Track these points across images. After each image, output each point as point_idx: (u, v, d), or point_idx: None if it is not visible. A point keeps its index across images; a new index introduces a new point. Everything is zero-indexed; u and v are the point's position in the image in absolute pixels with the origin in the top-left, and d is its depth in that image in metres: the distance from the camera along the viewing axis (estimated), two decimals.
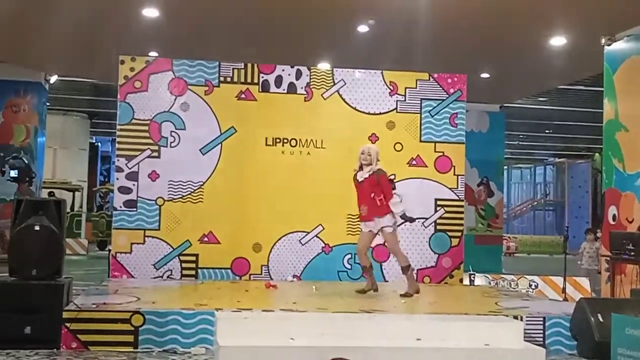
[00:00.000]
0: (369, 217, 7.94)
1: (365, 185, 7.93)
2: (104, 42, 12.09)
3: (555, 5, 10.21)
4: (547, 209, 42.99)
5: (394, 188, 8.17)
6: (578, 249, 12.65)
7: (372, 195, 7.88)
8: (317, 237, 9.66)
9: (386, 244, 8.22)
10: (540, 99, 21.30)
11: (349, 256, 9.65)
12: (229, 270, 9.38)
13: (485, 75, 14.40)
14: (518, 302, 7.94)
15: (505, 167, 31.35)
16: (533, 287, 10.96)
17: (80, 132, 27.37)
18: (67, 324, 5.95)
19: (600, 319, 6.04)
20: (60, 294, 6.06)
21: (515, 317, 6.45)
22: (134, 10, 10.80)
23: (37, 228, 6.14)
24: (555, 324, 6.53)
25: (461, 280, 9.97)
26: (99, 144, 33.63)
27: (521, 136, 30.73)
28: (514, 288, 10.73)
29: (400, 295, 7.92)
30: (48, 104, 17.56)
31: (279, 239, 9.58)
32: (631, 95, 10.00)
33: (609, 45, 10.33)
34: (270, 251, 9.55)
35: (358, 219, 9.67)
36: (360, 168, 8.01)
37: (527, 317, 6.52)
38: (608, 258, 9.41)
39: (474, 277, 10.54)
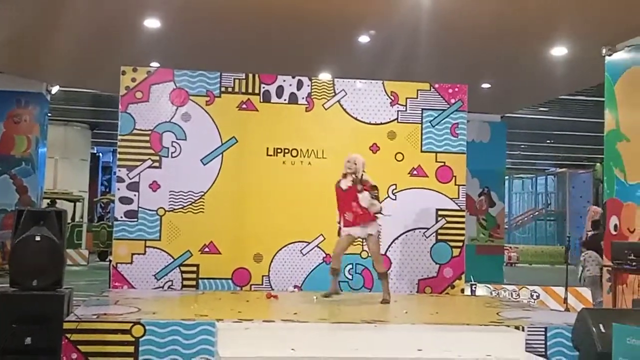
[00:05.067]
0: (356, 223, 8.13)
1: (349, 193, 8.13)
2: (106, 53, 12.13)
3: (556, 16, 10.23)
4: (548, 219, 43.01)
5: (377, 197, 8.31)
6: (580, 259, 12.59)
7: (354, 203, 8.11)
8: (318, 247, 9.64)
9: (370, 250, 8.46)
10: (542, 109, 21.33)
11: (350, 266, 9.62)
12: (230, 281, 9.36)
13: (486, 85, 14.43)
14: (519, 312, 7.91)
15: (507, 177, 31.34)
16: (534, 297, 10.94)
17: (81, 142, 27.42)
18: (68, 335, 5.93)
19: (602, 329, 6.00)
20: (60, 305, 6.03)
21: (517, 328, 6.42)
22: (136, 21, 10.85)
23: (37, 238, 6.10)
24: (557, 335, 6.50)
25: (462, 291, 9.93)
26: (100, 154, 33.73)
27: (522, 146, 30.75)
28: (516, 298, 10.70)
29: (380, 302, 8.11)
30: (49, 114, 17.61)
31: (280, 249, 9.55)
32: (632, 105, 10.02)
33: (609, 55, 10.36)
34: (271, 261, 9.52)
35: None
36: (344, 176, 8.21)
37: (528, 327, 6.48)
38: (609, 268, 9.39)
39: (475, 288, 10.50)
